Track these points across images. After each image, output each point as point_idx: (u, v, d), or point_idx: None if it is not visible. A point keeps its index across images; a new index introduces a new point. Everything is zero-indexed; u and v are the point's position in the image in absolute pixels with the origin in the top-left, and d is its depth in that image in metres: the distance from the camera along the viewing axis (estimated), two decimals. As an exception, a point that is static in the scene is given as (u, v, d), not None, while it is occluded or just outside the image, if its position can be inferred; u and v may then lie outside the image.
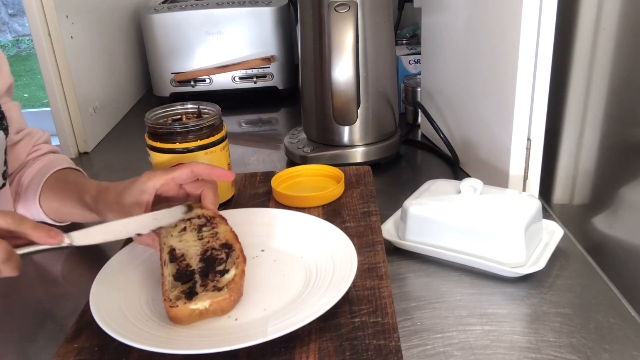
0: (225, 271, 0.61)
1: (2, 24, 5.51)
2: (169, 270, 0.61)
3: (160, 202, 0.70)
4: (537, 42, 0.75)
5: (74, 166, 0.87)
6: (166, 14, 1.35)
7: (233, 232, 0.66)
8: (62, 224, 0.85)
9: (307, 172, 0.90)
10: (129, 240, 0.71)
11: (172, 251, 0.63)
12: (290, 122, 1.32)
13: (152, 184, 0.68)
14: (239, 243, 0.65)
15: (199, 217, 0.69)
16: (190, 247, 0.64)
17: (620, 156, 0.71)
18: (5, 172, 0.81)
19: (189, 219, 0.68)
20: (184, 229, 0.67)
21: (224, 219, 0.68)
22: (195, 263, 0.62)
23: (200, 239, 0.65)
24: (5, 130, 0.80)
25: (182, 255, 0.63)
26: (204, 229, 0.67)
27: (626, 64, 0.69)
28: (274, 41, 1.37)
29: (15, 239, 0.57)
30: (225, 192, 0.83)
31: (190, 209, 0.68)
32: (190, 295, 0.58)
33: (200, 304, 0.57)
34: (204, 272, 0.61)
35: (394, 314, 0.58)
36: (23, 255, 0.58)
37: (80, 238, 0.60)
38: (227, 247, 0.64)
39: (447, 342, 0.59)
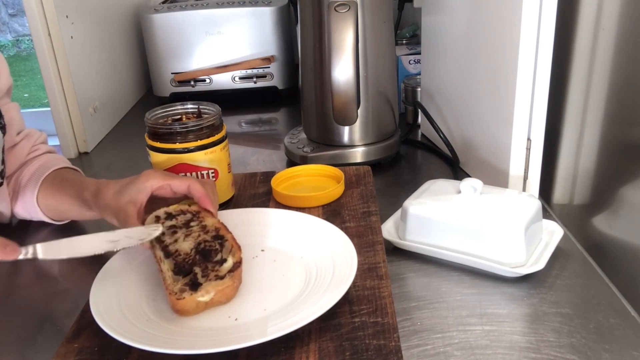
0: (224, 260, 0.61)
1: (2, 24, 5.51)
2: (167, 265, 0.61)
3: (154, 201, 0.70)
4: (537, 42, 0.75)
5: (71, 166, 0.88)
6: (166, 14, 1.35)
7: (221, 223, 0.67)
8: (61, 223, 0.85)
9: (307, 172, 0.90)
10: None
11: (165, 247, 0.64)
12: (290, 122, 1.32)
13: (150, 184, 0.69)
14: (230, 233, 0.65)
15: (184, 213, 0.69)
16: (182, 242, 0.65)
17: (620, 156, 0.71)
18: (2, 171, 0.81)
19: (175, 217, 0.68)
20: (173, 226, 0.67)
21: (209, 212, 0.69)
22: (191, 256, 0.62)
23: (189, 234, 0.66)
24: (3, 129, 0.81)
25: (177, 250, 0.63)
26: (192, 224, 0.67)
27: (626, 64, 0.69)
28: (274, 41, 1.37)
29: None
30: (225, 192, 0.83)
31: (162, 225, 0.66)
32: (194, 286, 0.58)
33: (207, 295, 0.57)
34: (202, 263, 0.61)
35: (394, 314, 0.58)
36: None
37: (46, 251, 0.60)
38: (219, 237, 0.65)
39: (447, 342, 0.59)
